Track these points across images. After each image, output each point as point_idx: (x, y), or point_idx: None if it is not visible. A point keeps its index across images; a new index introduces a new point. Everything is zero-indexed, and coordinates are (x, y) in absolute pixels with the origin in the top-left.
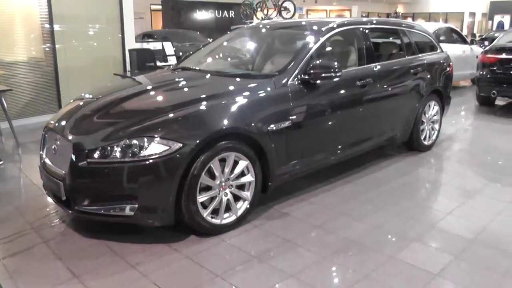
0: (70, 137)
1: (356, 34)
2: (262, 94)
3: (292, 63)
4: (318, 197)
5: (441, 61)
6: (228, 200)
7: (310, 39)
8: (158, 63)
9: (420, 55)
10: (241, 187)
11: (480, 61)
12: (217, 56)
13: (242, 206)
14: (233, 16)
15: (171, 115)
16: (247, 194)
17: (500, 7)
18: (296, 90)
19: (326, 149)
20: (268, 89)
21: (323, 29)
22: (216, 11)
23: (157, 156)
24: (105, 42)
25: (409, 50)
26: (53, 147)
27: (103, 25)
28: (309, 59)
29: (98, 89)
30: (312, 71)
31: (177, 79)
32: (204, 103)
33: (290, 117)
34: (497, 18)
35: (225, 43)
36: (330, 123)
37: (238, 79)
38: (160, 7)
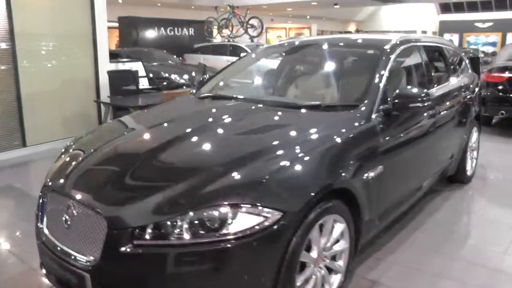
0: (99, 207)
1: (415, 52)
2: (350, 132)
3: (371, 91)
4: (394, 254)
5: (476, 82)
6: (323, 276)
7: (377, 59)
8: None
9: (461, 76)
10: (333, 256)
11: (484, 81)
12: (255, 81)
13: (335, 281)
14: (192, 33)
15: (250, 171)
16: (341, 264)
17: (449, 26)
18: (381, 124)
19: (407, 192)
20: (355, 124)
21: (387, 47)
22: (176, 29)
23: (248, 232)
24: (76, 63)
25: (451, 70)
26: (63, 218)
27: (74, 44)
28: (385, 85)
29: (108, 130)
30: (397, 101)
31: (223, 115)
32: (288, 150)
33: (382, 159)
34: (447, 37)
35: (256, 64)
36: (411, 160)
37: (307, 112)
38: (114, 24)
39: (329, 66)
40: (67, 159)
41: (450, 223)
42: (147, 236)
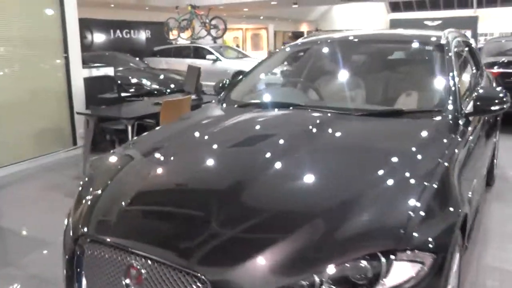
0: (199, 269)
1: (463, 48)
2: (454, 146)
3: (451, 93)
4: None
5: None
6: None
7: (441, 56)
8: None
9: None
10: None
11: None
12: (302, 84)
13: None
14: (149, 36)
15: (390, 206)
16: None
17: (400, 24)
18: (467, 130)
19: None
20: (452, 136)
21: (443, 42)
22: (132, 31)
23: (408, 285)
24: (44, 70)
25: (480, 68)
26: (123, 282)
27: (41, 49)
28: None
29: (149, 153)
30: (478, 103)
31: (295, 129)
32: (412, 174)
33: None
34: None
35: (294, 64)
36: (475, 168)
37: (391, 120)
38: None
39: (390, 66)
40: (105, 195)
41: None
42: None
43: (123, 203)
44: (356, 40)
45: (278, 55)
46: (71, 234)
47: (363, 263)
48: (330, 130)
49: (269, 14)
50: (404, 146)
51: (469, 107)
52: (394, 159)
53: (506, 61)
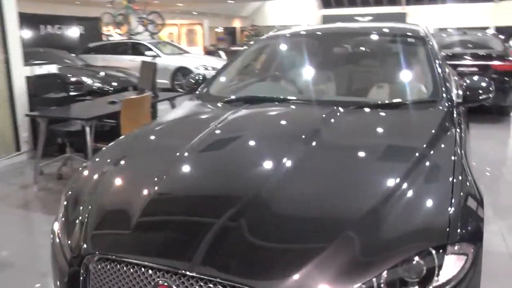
0: (248, 282)
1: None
2: (456, 131)
3: (442, 83)
4: None
5: None
6: None
7: (425, 47)
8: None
9: None
10: None
11: None
12: (289, 77)
13: None
14: (83, 31)
15: (431, 198)
16: None
17: (331, 20)
18: (460, 120)
19: None
20: (453, 126)
21: (423, 34)
22: (64, 26)
23: (458, 278)
24: None
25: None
26: None
27: None
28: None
29: (154, 151)
30: (468, 93)
31: (303, 125)
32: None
33: None
34: None
35: (275, 56)
36: None
37: (391, 112)
38: None
39: (376, 58)
40: (107, 208)
41: None
42: None
43: (134, 215)
44: (340, 33)
45: (250, 50)
46: (71, 255)
47: (417, 260)
48: (340, 127)
49: (202, 9)
50: (418, 140)
51: (458, 97)
52: (415, 155)
53: (450, 54)
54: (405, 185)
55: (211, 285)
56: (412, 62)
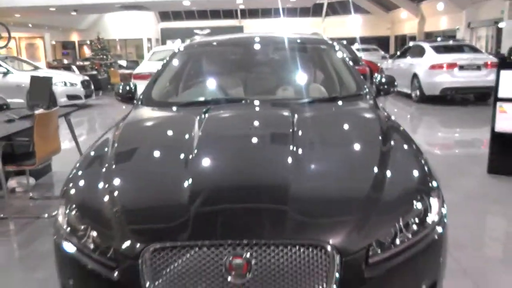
0: (323, 238)
1: None
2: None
3: (361, 80)
4: None
5: None
6: None
7: (335, 53)
8: None
9: None
10: None
11: None
12: (223, 81)
13: None
14: None
15: (409, 165)
16: None
17: (171, 33)
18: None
19: None
20: (379, 112)
21: (331, 42)
22: None
23: (441, 217)
24: None
25: None
26: (222, 276)
27: None
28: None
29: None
30: (381, 87)
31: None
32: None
33: None
34: (169, 43)
35: (202, 63)
36: None
37: (331, 104)
38: None
39: (297, 62)
40: (146, 199)
41: None
42: (377, 250)
43: (181, 202)
44: (259, 41)
45: (174, 59)
46: (110, 253)
47: (417, 205)
48: (309, 120)
49: (39, 21)
50: (373, 124)
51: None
52: (380, 135)
53: None
54: (389, 155)
55: (275, 249)
56: (333, 64)
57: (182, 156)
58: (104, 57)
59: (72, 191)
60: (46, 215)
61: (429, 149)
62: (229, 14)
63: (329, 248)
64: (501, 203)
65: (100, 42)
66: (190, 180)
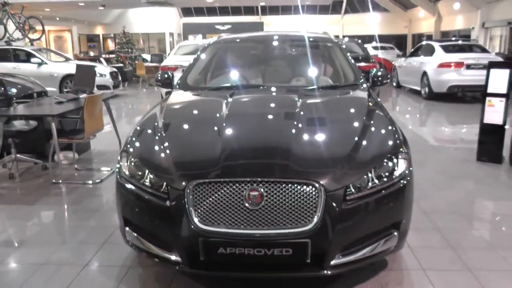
0: (313, 177)
1: None
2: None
3: (358, 73)
4: None
5: None
6: None
7: (340, 49)
8: None
9: None
10: None
11: None
12: (245, 71)
13: None
14: None
15: (386, 133)
16: None
17: (193, 28)
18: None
19: None
20: (376, 99)
21: (336, 40)
22: None
23: (406, 173)
24: None
25: None
26: (242, 203)
27: None
28: None
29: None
30: (375, 79)
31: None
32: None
33: None
34: (191, 38)
35: (222, 58)
36: None
37: (336, 90)
38: None
39: (307, 57)
40: (192, 145)
41: None
42: (353, 191)
43: (216, 148)
44: (277, 38)
45: (206, 51)
46: (165, 184)
47: (387, 162)
48: (313, 101)
49: (66, 15)
50: (363, 105)
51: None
52: (366, 111)
53: None
54: (370, 127)
55: (280, 185)
56: (337, 59)
57: (215, 124)
58: (129, 50)
59: (131, 149)
60: (90, 182)
61: (429, 140)
62: (250, 10)
63: (317, 185)
64: (482, 183)
65: (126, 36)
66: (222, 139)
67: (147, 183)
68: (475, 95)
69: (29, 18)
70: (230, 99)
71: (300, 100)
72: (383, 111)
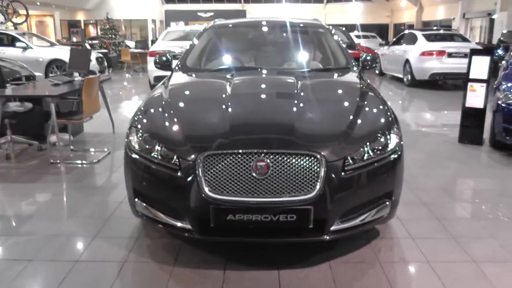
0: (314, 149)
1: None
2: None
3: (348, 57)
4: None
5: None
6: None
7: (331, 35)
8: None
9: None
10: None
11: None
12: (245, 55)
13: None
14: None
15: (380, 112)
16: None
17: (174, 15)
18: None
19: None
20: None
21: (327, 26)
22: None
23: (398, 148)
24: None
25: None
26: (250, 173)
27: None
28: None
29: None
30: (366, 63)
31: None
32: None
33: None
34: (173, 25)
35: (218, 42)
36: None
37: (327, 72)
38: None
39: (300, 42)
40: (203, 119)
41: None
42: (350, 162)
43: (224, 123)
44: (270, 24)
45: (203, 35)
46: (176, 155)
47: (380, 137)
48: (311, 81)
49: (45, 1)
50: (356, 85)
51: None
52: (360, 91)
53: None
54: (364, 106)
55: (284, 156)
56: (329, 44)
57: (221, 101)
58: (113, 36)
59: (139, 125)
60: (87, 162)
61: (413, 125)
62: None
63: (318, 156)
64: (463, 163)
65: (109, 22)
66: (229, 115)
67: (157, 156)
68: (455, 83)
69: (12, 2)
70: (232, 80)
71: (299, 81)
72: (375, 92)
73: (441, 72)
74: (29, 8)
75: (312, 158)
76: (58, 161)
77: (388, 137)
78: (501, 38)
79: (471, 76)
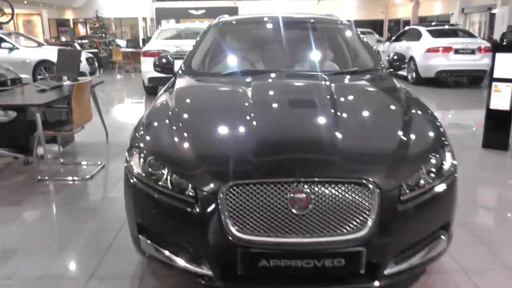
0: (368, 177)
1: None
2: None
3: (376, 58)
4: None
5: None
6: None
7: (354, 32)
8: None
9: None
10: None
11: None
12: (260, 55)
13: None
14: None
15: (434, 126)
16: None
17: (165, 13)
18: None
19: None
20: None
21: (347, 22)
22: None
23: (453, 168)
24: None
25: None
26: (287, 207)
27: None
28: None
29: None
30: (394, 63)
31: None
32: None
33: None
34: (164, 23)
35: (228, 41)
36: None
37: (356, 76)
38: None
39: (322, 40)
40: (214, 143)
41: None
42: (406, 190)
43: (250, 148)
44: (288, 20)
45: (209, 34)
46: (207, 184)
47: (435, 157)
48: (343, 87)
49: None
50: (395, 93)
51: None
52: (401, 101)
53: None
54: (412, 117)
55: (328, 186)
56: (353, 42)
57: (241, 114)
58: (103, 35)
59: (142, 144)
60: (79, 178)
61: None
62: None
63: (370, 185)
64: (491, 170)
65: (99, 20)
66: (254, 132)
67: (167, 185)
68: (459, 80)
69: None
70: (251, 86)
71: (331, 87)
72: (417, 99)
73: (448, 70)
74: (15, 7)
75: (363, 187)
76: (47, 177)
77: (443, 156)
78: (510, 31)
79: (496, 75)
